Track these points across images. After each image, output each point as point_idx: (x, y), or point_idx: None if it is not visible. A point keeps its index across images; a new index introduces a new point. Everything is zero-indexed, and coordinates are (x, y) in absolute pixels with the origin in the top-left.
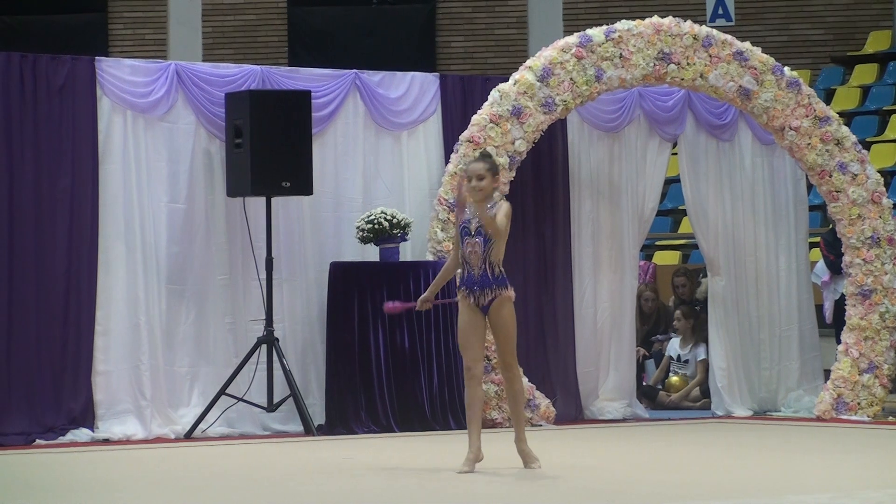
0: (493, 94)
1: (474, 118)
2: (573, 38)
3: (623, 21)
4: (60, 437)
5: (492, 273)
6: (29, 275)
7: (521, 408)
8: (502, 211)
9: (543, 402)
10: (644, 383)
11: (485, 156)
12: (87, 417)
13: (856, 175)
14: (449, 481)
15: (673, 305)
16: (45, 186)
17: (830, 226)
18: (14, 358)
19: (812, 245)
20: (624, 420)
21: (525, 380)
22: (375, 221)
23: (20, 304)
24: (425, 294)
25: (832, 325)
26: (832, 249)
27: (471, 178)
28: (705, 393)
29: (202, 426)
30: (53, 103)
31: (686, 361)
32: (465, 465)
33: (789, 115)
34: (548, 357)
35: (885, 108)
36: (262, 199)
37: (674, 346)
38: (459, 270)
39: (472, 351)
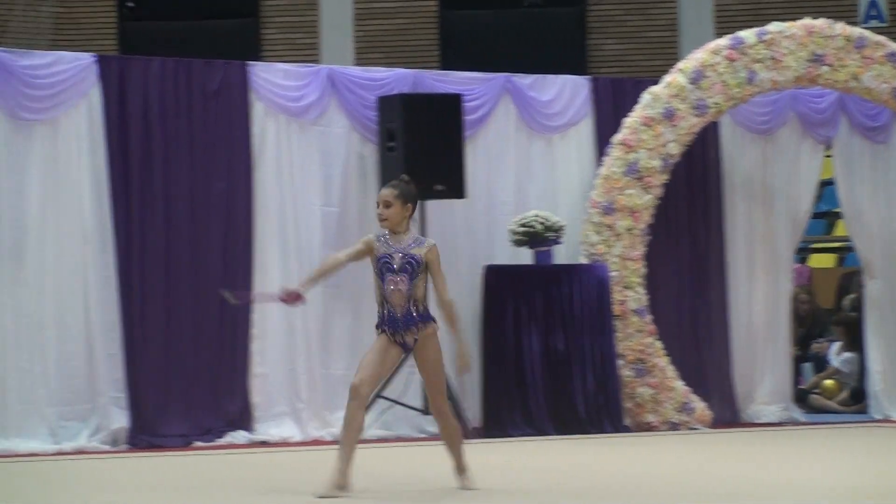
0: (645, 97)
1: (626, 121)
2: (724, 41)
3: (775, 23)
4: (218, 440)
5: (416, 311)
6: (185, 279)
7: (460, 447)
8: (436, 259)
9: (699, 406)
10: (800, 386)
11: (398, 182)
12: (244, 420)
13: None
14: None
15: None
16: (199, 190)
17: None
18: (172, 362)
19: None
20: (780, 424)
21: (680, 383)
22: (529, 224)
23: (177, 308)
24: (299, 286)
25: None
26: None
27: (378, 204)
28: (856, 397)
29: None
30: (208, 107)
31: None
32: (325, 488)
33: None
34: (703, 360)
35: None
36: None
37: (833, 351)
38: (378, 308)
39: (366, 372)
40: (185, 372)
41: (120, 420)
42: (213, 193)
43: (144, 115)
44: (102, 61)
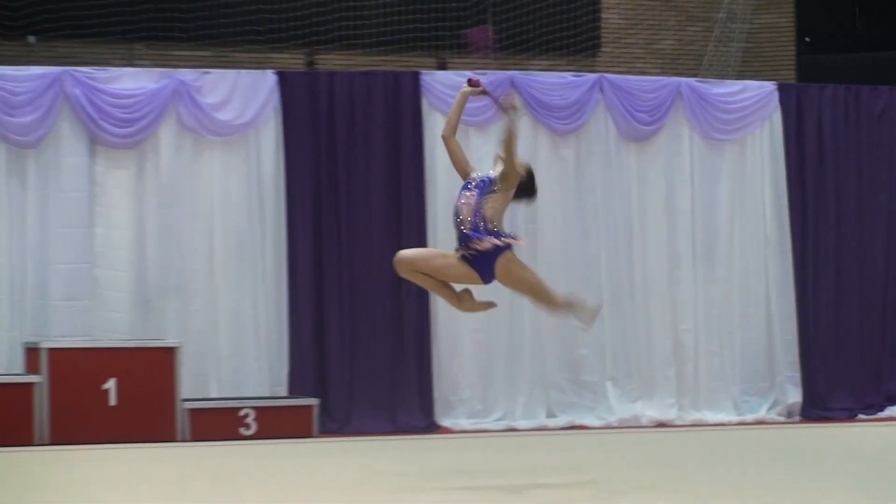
0: None
1: None
2: None
3: None
4: (878, 413)
5: (483, 226)
6: (853, 277)
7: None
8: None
9: None
10: None
11: None
12: None
13: None
14: None
15: None
16: (866, 200)
17: None
18: (841, 345)
19: None
20: None
21: None
22: None
23: (846, 301)
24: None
25: None
26: None
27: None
28: None
29: None
30: (872, 128)
31: None
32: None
33: None
34: None
35: None
36: None
37: None
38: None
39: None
40: (851, 355)
41: (794, 396)
42: (877, 203)
43: (818, 135)
44: (782, 89)
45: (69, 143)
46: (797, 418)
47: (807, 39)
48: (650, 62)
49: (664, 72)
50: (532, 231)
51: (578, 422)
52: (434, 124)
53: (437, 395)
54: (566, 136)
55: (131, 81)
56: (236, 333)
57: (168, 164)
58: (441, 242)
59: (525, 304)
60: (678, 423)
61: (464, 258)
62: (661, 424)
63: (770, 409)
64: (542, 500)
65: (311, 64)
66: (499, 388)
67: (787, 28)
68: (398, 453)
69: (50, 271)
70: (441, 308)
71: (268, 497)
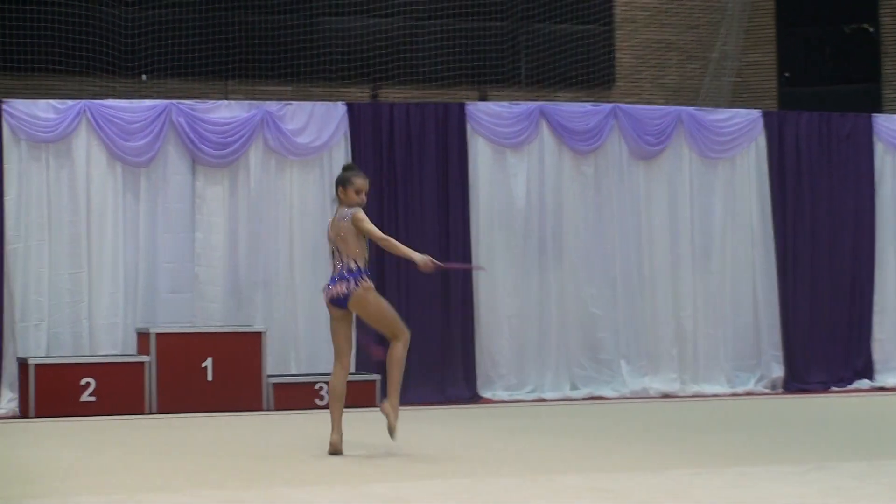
0: None
1: None
2: None
3: None
4: (848, 385)
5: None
6: (824, 273)
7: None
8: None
9: None
10: None
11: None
12: (867, 371)
13: None
14: None
15: None
16: (836, 207)
17: None
18: (813, 328)
19: None
20: None
21: None
22: None
23: (820, 290)
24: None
25: None
26: None
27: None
28: None
29: None
30: (839, 149)
31: None
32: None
33: None
34: None
35: None
36: None
37: None
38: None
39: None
40: (825, 336)
41: (777, 371)
42: (844, 210)
43: (796, 154)
44: (766, 116)
45: (174, 163)
46: (780, 390)
47: (786, 74)
48: (656, 94)
49: (668, 102)
50: (558, 235)
51: (597, 393)
52: (476, 147)
53: (479, 371)
54: (586, 156)
55: (226, 112)
56: (312, 320)
57: (256, 180)
58: (482, 244)
59: (552, 296)
60: (680, 394)
61: None
62: (666, 395)
63: (757, 382)
64: (562, 453)
65: (374, 96)
66: (531, 365)
67: (770, 65)
68: (447, 419)
69: (158, 269)
70: (482, 297)
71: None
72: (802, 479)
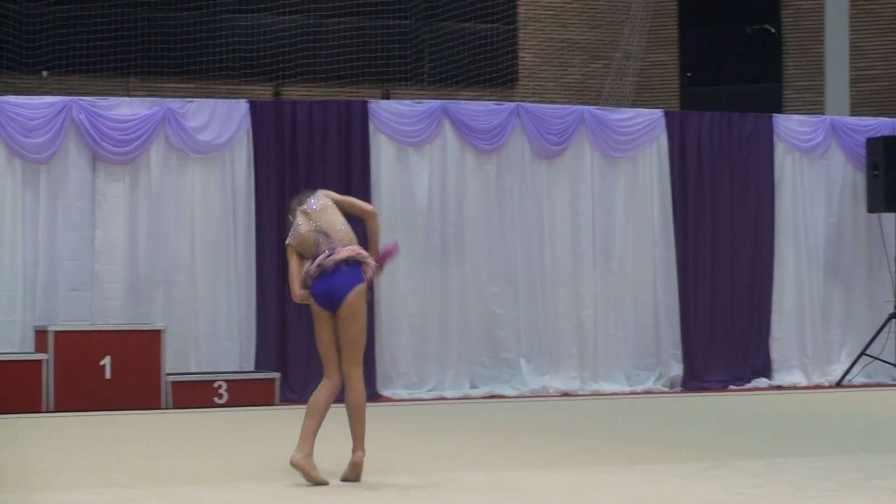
0: None
1: None
2: None
3: None
4: (746, 384)
5: None
6: (724, 272)
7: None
8: None
9: None
10: None
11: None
12: (765, 370)
13: None
14: None
15: None
16: (736, 208)
17: None
18: (714, 328)
19: None
20: None
21: None
22: None
23: (720, 292)
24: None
25: None
26: None
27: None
28: None
29: (848, 377)
30: (742, 148)
31: None
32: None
33: None
34: None
35: None
36: (893, 215)
37: None
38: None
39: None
40: (723, 335)
41: (676, 370)
42: (745, 210)
43: (698, 154)
44: (668, 115)
45: (75, 160)
46: (679, 389)
47: (688, 74)
48: (559, 93)
49: (571, 101)
50: (460, 234)
51: (497, 392)
52: (379, 145)
53: (378, 369)
54: (489, 154)
55: (127, 109)
56: (212, 318)
57: (157, 178)
58: (383, 242)
59: (454, 295)
60: (580, 392)
61: None
62: (566, 394)
63: (656, 380)
64: (463, 450)
65: (277, 94)
66: (431, 364)
67: (672, 65)
68: (345, 418)
69: (57, 266)
70: (383, 295)
71: (236, 448)
72: (704, 477)
